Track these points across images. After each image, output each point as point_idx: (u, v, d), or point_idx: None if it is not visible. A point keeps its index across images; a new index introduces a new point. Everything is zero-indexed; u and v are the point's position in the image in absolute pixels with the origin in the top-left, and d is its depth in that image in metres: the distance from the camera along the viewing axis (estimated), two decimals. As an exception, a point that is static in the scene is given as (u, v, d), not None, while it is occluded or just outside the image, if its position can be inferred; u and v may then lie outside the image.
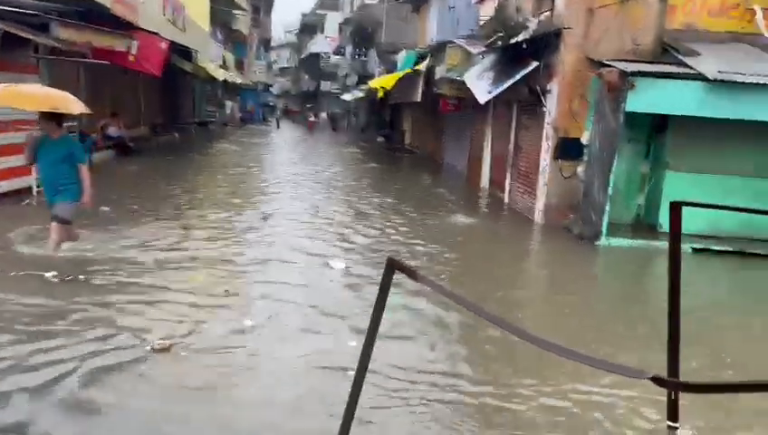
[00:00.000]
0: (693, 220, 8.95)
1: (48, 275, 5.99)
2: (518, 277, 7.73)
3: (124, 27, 14.10)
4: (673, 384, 1.63)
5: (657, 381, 1.41)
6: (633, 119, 9.29)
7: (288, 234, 8.67)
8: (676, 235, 3.23)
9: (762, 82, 8.17)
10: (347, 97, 40.70)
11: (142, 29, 15.21)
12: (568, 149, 10.29)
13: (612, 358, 4.87)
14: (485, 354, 4.87)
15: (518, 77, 10.93)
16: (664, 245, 9.04)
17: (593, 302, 6.71)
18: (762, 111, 8.47)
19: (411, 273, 2.49)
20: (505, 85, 11.05)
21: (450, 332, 5.30)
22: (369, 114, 40.59)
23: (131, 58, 14.30)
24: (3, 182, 9.50)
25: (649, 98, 8.72)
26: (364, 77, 37.53)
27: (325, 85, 56.21)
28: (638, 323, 5.84)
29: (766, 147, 9.41)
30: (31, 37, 9.38)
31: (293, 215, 10.12)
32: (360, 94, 34.39)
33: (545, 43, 10.54)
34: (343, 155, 23.76)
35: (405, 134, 28.01)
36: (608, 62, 9.32)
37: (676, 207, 3.20)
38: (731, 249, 8.82)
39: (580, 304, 6.47)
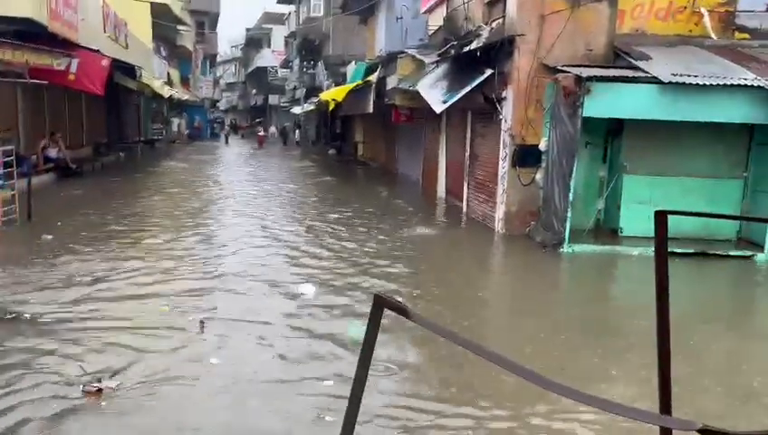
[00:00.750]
0: (652, 223, 8.95)
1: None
2: (488, 295, 7.40)
3: (63, 45, 13.39)
4: None
5: (706, 433, 1.26)
6: (589, 123, 9.24)
7: (241, 259, 8.08)
8: (662, 245, 2.94)
9: (714, 83, 8.23)
10: (296, 110, 40.21)
11: (82, 47, 14.49)
12: (525, 156, 10.18)
13: (602, 386, 4.65)
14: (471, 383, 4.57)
15: (473, 85, 10.80)
16: (626, 249, 9.09)
17: (567, 318, 6.42)
18: (714, 112, 8.54)
19: (402, 311, 2.17)
20: (460, 94, 10.90)
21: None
22: (319, 127, 40.24)
23: (71, 77, 13.59)
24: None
25: (606, 102, 8.68)
26: (313, 90, 37.17)
27: (273, 99, 55.53)
28: (619, 339, 5.65)
29: (719, 148, 9.52)
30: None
31: (246, 239, 9.43)
32: (310, 107, 34.02)
33: (498, 51, 10.44)
34: (295, 169, 23.29)
35: (357, 146, 27.74)
36: (563, 68, 9.26)
37: (661, 217, 2.91)
38: (692, 251, 8.84)
39: (555, 322, 6.20)
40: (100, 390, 4.07)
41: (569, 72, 9.01)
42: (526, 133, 10.19)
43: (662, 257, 2.77)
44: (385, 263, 8.08)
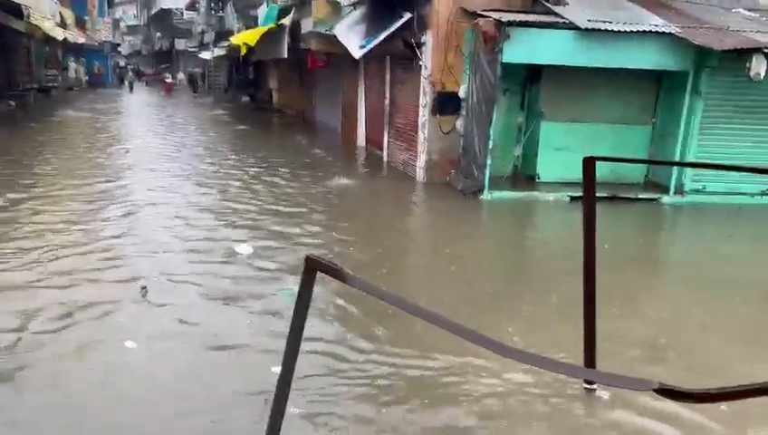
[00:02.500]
0: (569, 169, 9.03)
1: None
2: (411, 245, 7.34)
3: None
4: (682, 395, 1.33)
5: (664, 392, 1.25)
6: (508, 70, 9.17)
7: (160, 220, 7.47)
8: (590, 191, 2.89)
9: (626, 29, 8.34)
10: (206, 55, 38.04)
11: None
12: (445, 103, 10.06)
13: (526, 332, 4.68)
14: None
15: (391, 30, 10.48)
16: (544, 195, 9.23)
17: (486, 264, 6.50)
18: (626, 59, 8.69)
19: (337, 273, 2.01)
20: (379, 38, 10.56)
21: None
22: (230, 74, 38.38)
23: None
24: None
25: (524, 48, 8.63)
26: (222, 34, 35.16)
27: (180, 44, 52.24)
28: (542, 289, 5.74)
29: (631, 95, 9.76)
30: None
31: (164, 197, 8.73)
32: (221, 52, 32.24)
33: (417, -6, 10.11)
34: (208, 118, 22.21)
35: (272, 93, 26.74)
36: (482, 13, 9.09)
37: (589, 163, 2.85)
38: (605, 195, 9.11)
39: (477, 269, 6.25)
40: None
41: (488, 17, 8.85)
42: (446, 80, 10.03)
43: (590, 201, 2.68)
44: (307, 215, 7.84)
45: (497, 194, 9.13)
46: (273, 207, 8.27)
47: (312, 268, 1.98)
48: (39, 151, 12.35)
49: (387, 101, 12.70)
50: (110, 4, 53.78)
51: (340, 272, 1.94)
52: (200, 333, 4.37)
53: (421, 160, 10.50)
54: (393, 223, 8.05)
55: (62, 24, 29.78)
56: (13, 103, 21.01)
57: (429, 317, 1.62)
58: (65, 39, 28.17)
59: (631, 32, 8.41)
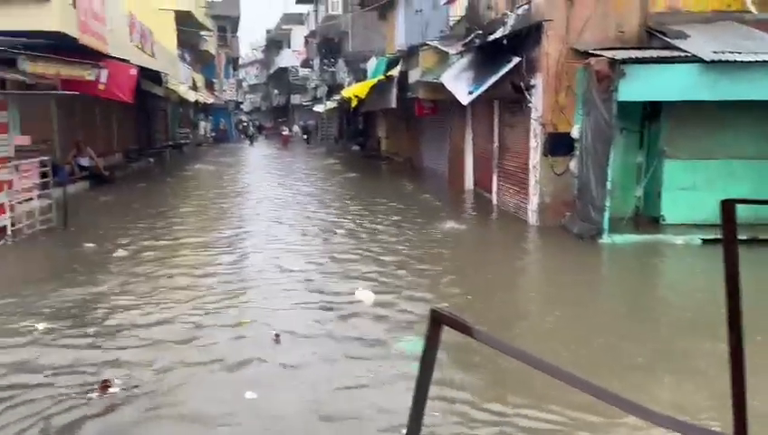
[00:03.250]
0: (698, 210, 8.30)
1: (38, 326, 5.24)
2: (531, 294, 6.94)
3: (93, 56, 13.31)
4: None
5: None
6: (623, 108, 8.75)
7: (278, 266, 7.52)
8: (731, 236, 2.42)
9: (760, 59, 7.69)
10: (318, 108, 39.95)
11: (111, 57, 14.41)
12: (558, 144, 9.74)
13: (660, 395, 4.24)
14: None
15: (500, 74, 10.36)
16: (672, 238, 8.51)
17: (611, 314, 5.96)
18: (760, 90, 7.98)
19: (463, 328, 1.87)
20: (487, 84, 10.48)
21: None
22: (341, 124, 39.89)
23: (101, 87, 13.56)
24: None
25: (642, 85, 8.20)
26: (334, 87, 36.86)
27: (295, 98, 55.28)
28: (674, 339, 5.21)
29: (766, 128, 8.93)
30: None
31: (280, 241, 8.98)
32: (332, 105, 33.75)
33: (525, 38, 9.98)
34: (321, 167, 23.01)
35: (380, 141, 27.38)
36: (594, 52, 8.78)
37: (728, 207, 2.40)
38: (744, 237, 8.30)
39: (598, 320, 5.75)
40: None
41: (601, 56, 8.53)
42: (557, 121, 9.73)
43: (733, 247, 2.31)
44: (420, 262, 7.70)
45: (618, 237, 8.58)
46: (386, 253, 8.18)
47: (437, 321, 1.87)
48: (172, 203, 13.31)
49: (495, 144, 12.53)
50: (235, 67, 58.18)
51: (466, 325, 1.82)
52: (323, 384, 4.24)
53: (533, 203, 10.17)
54: (508, 269, 7.70)
55: (194, 87, 32.58)
56: (151, 160, 22.99)
57: (557, 374, 1.48)
58: (196, 100, 30.67)
59: (764, 62, 7.73)
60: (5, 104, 9.36)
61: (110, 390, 4.06)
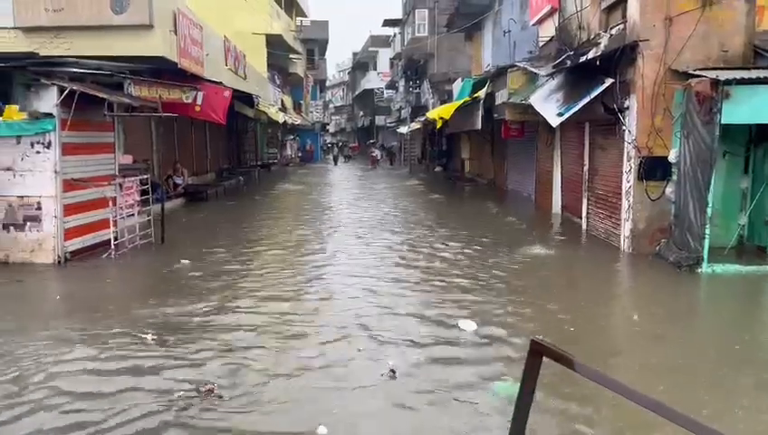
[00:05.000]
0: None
1: (147, 337, 5.64)
2: (626, 325, 6.61)
3: (190, 80, 14.20)
4: None
5: None
6: (726, 131, 8.34)
7: (366, 292, 7.48)
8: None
9: None
10: (402, 130, 40.39)
11: (207, 80, 15.32)
12: (653, 168, 9.39)
13: None
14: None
15: (592, 96, 10.14)
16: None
17: (713, 350, 5.64)
18: None
19: (565, 360, 1.84)
20: (579, 106, 10.27)
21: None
22: (424, 145, 40.14)
23: (197, 108, 14.36)
24: (87, 236, 9.37)
25: (748, 107, 7.78)
26: (417, 109, 37.28)
27: (380, 120, 56.33)
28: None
29: None
30: (106, 97, 9.34)
31: (368, 268, 8.83)
32: (416, 126, 34.04)
33: (619, 59, 9.73)
34: (404, 188, 23.22)
35: (464, 162, 27.32)
36: (695, 72, 8.43)
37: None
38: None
39: (699, 356, 5.47)
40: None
41: (703, 77, 8.18)
42: (653, 144, 9.40)
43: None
44: (508, 289, 7.63)
45: (719, 267, 8.12)
46: (475, 279, 8.11)
47: (537, 352, 1.85)
48: (260, 222, 13.88)
49: (585, 167, 12.23)
50: (322, 89, 60.04)
51: (568, 358, 1.80)
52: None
53: (626, 229, 9.82)
54: (602, 299, 7.43)
55: (283, 109, 33.88)
56: (241, 179, 24.08)
57: (661, 410, 1.45)
58: (284, 121, 31.86)
59: None
60: (113, 126, 10.17)
61: (214, 392, 4.40)
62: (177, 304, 6.80)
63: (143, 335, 5.64)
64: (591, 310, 6.80)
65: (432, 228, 12.64)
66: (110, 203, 9.60)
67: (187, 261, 9.04)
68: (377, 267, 8.85)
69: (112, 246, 9.42)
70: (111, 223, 9.50)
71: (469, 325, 5.99)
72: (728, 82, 7.77)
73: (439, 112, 22.05)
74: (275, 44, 30.32)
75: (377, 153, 41.79)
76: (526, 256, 9.59)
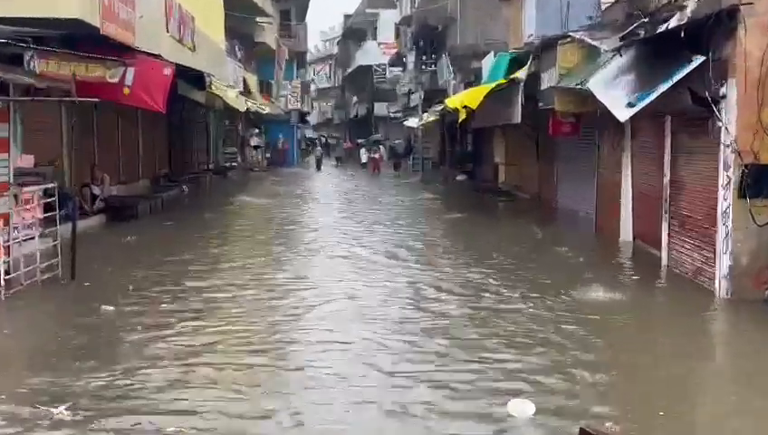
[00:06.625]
0: None
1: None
2: (722, 404, 6.55)
3: (117, 52, 14.24)
4: None
5: None
6: None
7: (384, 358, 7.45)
8: None
9: None
10: (412, 123, 40.71)
11: (140, 51, 15.39)
12: (760, 181, 9.44)
13: None
14: None
15: (675, 80, 10.21)
16: None
17: None
18: None
19: None
20: (657, 93, 10.34)
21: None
22: (443, 145, 40.39)
23: (126, 90, 14.41)
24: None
25: None
26: (433, 93, 37.56)
27: (380, 108, 56.70)
28: None
29: None
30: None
31: (381, 334, 8.44)
32: (432, 118, 34.26)
33: (712, 29, 9.83)
34: (414, 206, 23.28)
35: (498, 169, 27.46)
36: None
37: None
38: None
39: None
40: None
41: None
42: (760, 147, 9.46)
43: None
44: (561, 351, 7.60)
45: None
46: (517, 337, 8.10)
47: None
48: (212, 251, 13.83)
49: (666, 179, 12.27)
50: (301, 65, 60.40)
51: None
52: None
53: (723, 265, 9.83)
54: (690, 371, 7.31)
55: (246, 92, 34.12)
56: (186, 189, 24.20)
57: None
58: (248, 110, 32.10)
59: None
60: (6, 114, 10.16)
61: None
62: (95, 372, 6.71)
63: (38, 421, 5.57)
64: (681, 386, 6.77)
65: (451, 262, 12.71)
66: (1, 222, 9.61)
67: (109, 307, 8.95)
68: (390, 332, 8.51)
69: (1, 283, 9.41)
70: (1, 250, 9.49)
71: (522, 408, 5.91)
72: None
73: (463, 100, 22.19)
74: (236, 5, 30.61)
75: (379, 154, 42.02)
76: (583, 303, 9.58)
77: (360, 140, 54.70)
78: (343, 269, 12.26)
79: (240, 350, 7.65)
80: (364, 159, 44.81)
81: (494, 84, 20.09)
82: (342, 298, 10.09)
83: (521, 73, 18.33)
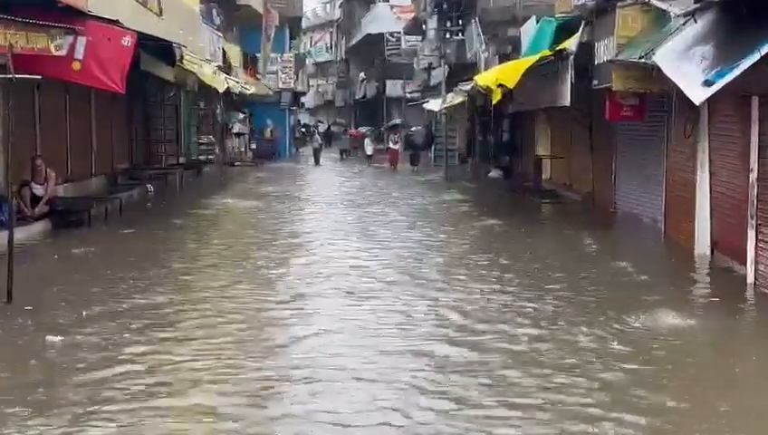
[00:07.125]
0: None
1: None
2: None
3: (65, 16, 14.27)
4: None
5: None
6: None
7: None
8: None
9: None
10: (433, 106, 40.70)
11: (93, 16, 15.43)
12: None
13: None
14: None
15: (764, 52, 10.22)
16: None
17: None
18: None
19: None
20: (741, 68, 10.34)
21: None
22: (472, 132, 40.39)
23: (76, 65, 14.46)
24: None
25: None
26: (460, 69, 37.56)
27: (394, 87, 56.64)
28: None
29: None
30: None
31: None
32: (457, 99, 34.25)
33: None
34: (441, 208, 23.34)
35: (541, 164, 27.45)
36: None
37: None
38: None
39: None
40: None
41: None
42: None
43: None
44: (618, 388, 7.61)
45: None
46: (568, 371, 8.11)
47: None
48: (180, 270, 13.82)
49: (752, 176, 12.25)
50: (294, 34, 60.37)
51: None
52: None
53: (825, 286, 9.85)
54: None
55: (226, 68, 34.14)
56: (150, 188, 24.26)
57: None
58: (228, 89, 32.08)
59: None
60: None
61: None
62: (29, 421, 6.66)
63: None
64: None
65: (484, 280, 12.76)
66: None
67: (56, 338, 8.93)
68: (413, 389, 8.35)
69: None
70: None
71: None
72: None
73: (498, 77, 22.19)
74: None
75: (396, 145, 41.95)
76: (649, 330, 9.60)
77: (364, 129, 54.62)
78: (352, 302, 11.92)
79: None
80: (369, 150, 45.03)
81: (536, 57, 20.11)
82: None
83: (570, 44, 18.33)
